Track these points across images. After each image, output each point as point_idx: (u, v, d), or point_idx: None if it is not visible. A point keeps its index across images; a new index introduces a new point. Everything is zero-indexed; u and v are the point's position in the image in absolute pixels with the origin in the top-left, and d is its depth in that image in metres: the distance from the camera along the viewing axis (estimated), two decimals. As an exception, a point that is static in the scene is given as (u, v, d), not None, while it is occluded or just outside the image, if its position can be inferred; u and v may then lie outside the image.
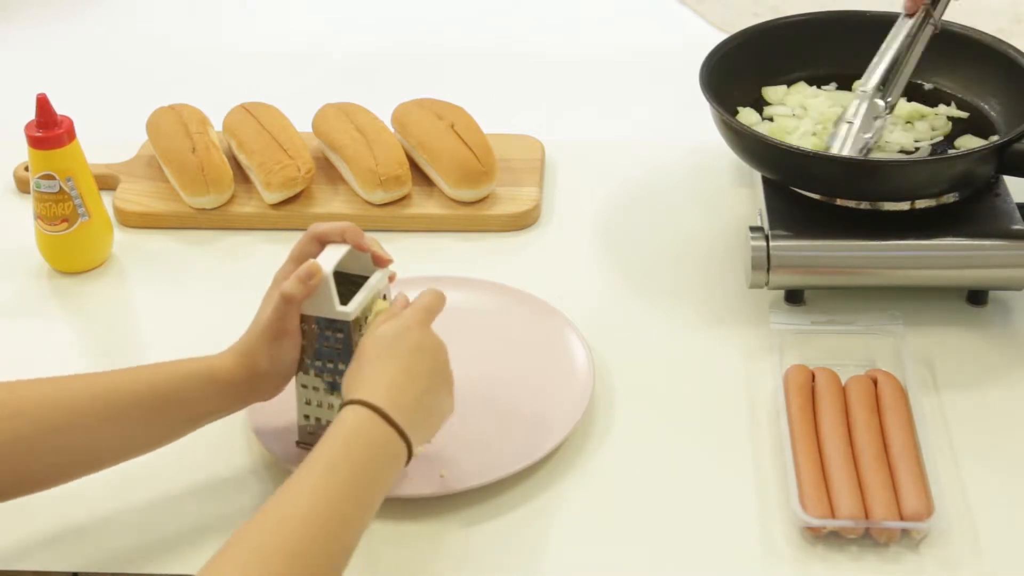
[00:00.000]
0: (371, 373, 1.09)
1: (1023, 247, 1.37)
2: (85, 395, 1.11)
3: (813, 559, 1.15)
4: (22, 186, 1.64)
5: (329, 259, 1.16)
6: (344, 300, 1.16)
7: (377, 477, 1.05)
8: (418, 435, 1.09)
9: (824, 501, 1.17)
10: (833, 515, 1.16)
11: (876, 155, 1.45)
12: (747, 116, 1.53)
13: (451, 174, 1.56)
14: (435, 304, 1.17)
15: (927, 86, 1.56)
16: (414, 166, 1.61)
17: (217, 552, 0.96)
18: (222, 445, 1.26)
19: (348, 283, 1.18)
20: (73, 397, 1.10)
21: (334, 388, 1.19)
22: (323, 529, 0.98)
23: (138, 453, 1.15)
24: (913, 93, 1.55)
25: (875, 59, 1.46)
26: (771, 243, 1.38)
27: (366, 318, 1.17)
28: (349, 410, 1.07)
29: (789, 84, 1.57)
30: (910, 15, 1.46)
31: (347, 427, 1.05)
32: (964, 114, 1.52)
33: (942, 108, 1.53)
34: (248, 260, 1.53)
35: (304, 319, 1.16)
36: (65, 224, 1.47)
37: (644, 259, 1.52)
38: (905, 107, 1.52)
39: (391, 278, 1.21)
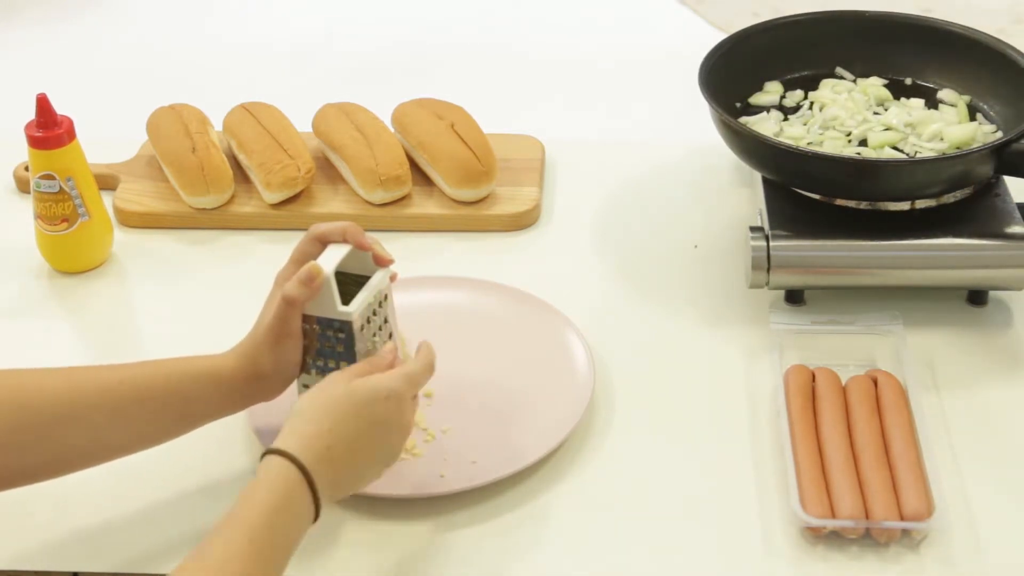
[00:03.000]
0: (315, 430, 1.06)
1: (1023, 247, 1.37)
2: (90, 388, 1.11)
3: (813, 559, 1.15)
4: (22, 186, 1.64)
5: (330, 260, 1.16)
6: (346, 300, 1.16)
7: (293, 544, 1.03)
8: (326, 499, 1.06)
9: (824, 501, 1.17)
10: (833, 515, 1.16)
11: (876, 155, 1.46)
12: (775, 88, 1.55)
13: (451, 174, 1.56)
14: (423, 377, 1.14)
15: (928, 85, 1.56)
16: (414, 166, 1.61)
17: None
18: (222, 445, 1.26)
19: (349, 283, 1.18)
20: (78, 389, 1.11)
21: (335, 388, 1.19)
22: None
23: (139, 448, 1.15)
24: (914, 92, 1.55)
25: None
26: (771, 243, 1.38)
27: (367, 319, 1.17)
28: (284, 467, 1.03)
29: (788, 84, 1.58)
30: None
31: (277, 490, 1.02)
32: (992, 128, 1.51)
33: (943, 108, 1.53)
34: (248, 260, 1.53)
35: (305, 319, 1.16)
36: (65, 224, 1.47)
37: (644, 259, 1.52)
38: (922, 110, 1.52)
39: (392, 278, 1.21)
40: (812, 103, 1.55)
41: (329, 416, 1.07)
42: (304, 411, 1.08)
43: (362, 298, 1.17)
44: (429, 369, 1.15)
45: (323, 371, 1.18)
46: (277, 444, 1.05)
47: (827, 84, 1.57)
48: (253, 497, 1.02)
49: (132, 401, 1.12)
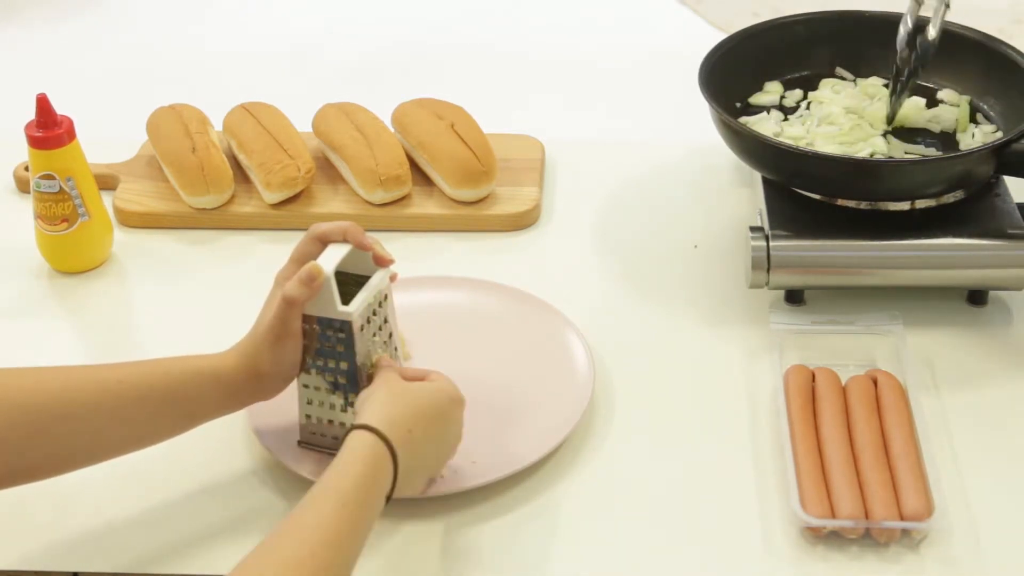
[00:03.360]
0: (400, 412, 1.11)
1: (1023, 247, 1.37)
2: (89, 387, 1.11)
3: (813, 559, 1.15)
4: (22, 186, 1.64)
5: (330, 259, 1.16)
6: (345, 300, 1.16)
7: (377, 509, 1.06)
8: (404, 488, 1.10)
9: (824, 501, 1.17)
10: (833, 515, 1.16)
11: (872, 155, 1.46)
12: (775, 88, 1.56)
13: (451, 174, 1.56)
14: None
15: (928, 85, 1.56)
16: (414, 166, 1.62)
17: (236, 566, 0.96)
18: (222, 445, 1.26)
19: (349, 283, 1.18)
20: (77, 388, 1.11)
21: (336, 388, 1.19)
22: (339, 554, 1.00)
23: (138, 447, 1.15)
24: (914, 92, 1.55)
25: None
26: (771, 243, 1.38)
27: (367, 319, 1.17)
28: (371, 439, 1.07)
29: (788, 84, 1.58)
30: None
31: (365, 457, 1.06)
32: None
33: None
34: (248, 260, 1.53)
35: (305, 319, 1.16)
36: (65, 224, 1.47)
37: (644, 259, 1.52)
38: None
39: (392, 278, 1.21)
40: (812, 103, 1.55)
41: (407, 404, 1.12)
42: (378, 398, 1.12)
43: (362, 298, 1.17)
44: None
45: (323, 371, 1.18)
46: (365, 421, 1.08)
47: (827, 84, 1.57)
48: (346, 462, 1.05)
49: (131, 400, 1.12)
